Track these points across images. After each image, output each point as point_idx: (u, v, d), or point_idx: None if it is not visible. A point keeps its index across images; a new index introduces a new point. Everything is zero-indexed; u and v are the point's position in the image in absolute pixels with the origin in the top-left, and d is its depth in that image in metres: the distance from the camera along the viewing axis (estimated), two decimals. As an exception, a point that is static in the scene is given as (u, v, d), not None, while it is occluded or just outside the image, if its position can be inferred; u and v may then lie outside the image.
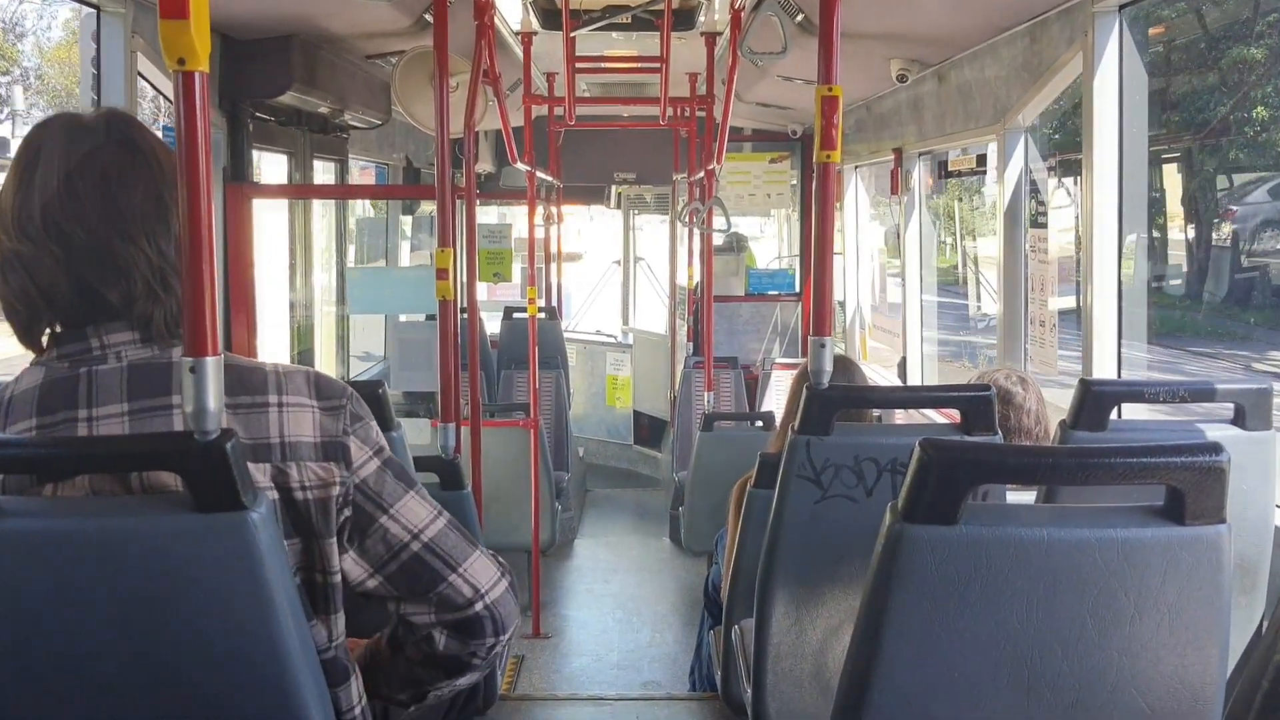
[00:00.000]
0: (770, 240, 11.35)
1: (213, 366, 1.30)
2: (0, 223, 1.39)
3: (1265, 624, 2.33)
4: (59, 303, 1.39)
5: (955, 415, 2.27)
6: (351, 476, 1.43)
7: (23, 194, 1.38)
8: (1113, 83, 3.27)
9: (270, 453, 1.39)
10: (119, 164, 1.40)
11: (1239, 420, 2.31)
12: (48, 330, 1.42)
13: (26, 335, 1.42)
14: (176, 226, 1.37)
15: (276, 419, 1.41)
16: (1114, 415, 2.28)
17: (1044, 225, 3.96)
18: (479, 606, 1.49)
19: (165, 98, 3.65)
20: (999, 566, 1.36)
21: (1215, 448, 1.34)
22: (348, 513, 1.44)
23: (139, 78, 3.38)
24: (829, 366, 2.23)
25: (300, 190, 5.13)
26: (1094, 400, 2.22)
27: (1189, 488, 1.35)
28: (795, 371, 3.79)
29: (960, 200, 12.79)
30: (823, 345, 2.25)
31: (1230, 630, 1.42)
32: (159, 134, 1.50)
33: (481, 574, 1.50)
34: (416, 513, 1.48)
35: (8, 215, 1.39)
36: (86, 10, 3.24)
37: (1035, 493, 2.38)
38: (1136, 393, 2.38)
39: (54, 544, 1.30)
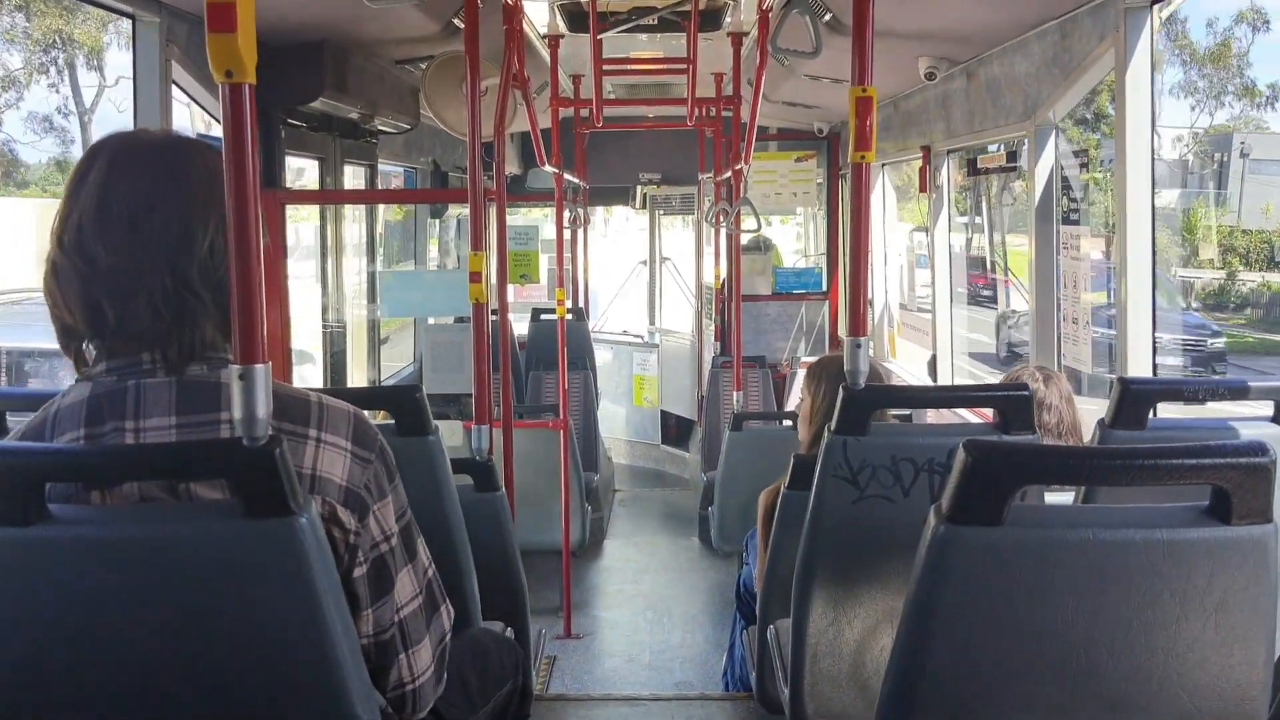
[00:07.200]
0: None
1: (261, 374, 1.31)
2: (53, 231, 1.43)
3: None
4: (79, 316, 1.41)
5: (988, 414, 2.26)
6: (367, 543, 1.47)
7: (68, 208, 1.42)
8: (1145, 78, 3.24)
9: (301, 480, 1.41)
10: (151, 191, 1.41)
11: (1278, 418, 2.29)
12: (81, 346, 1.44)
13: (64, 346, 1.46)
14: (201, 252, 1.40)
15: (313, 452, 1.44)
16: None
17: (1076, 222, 3.93)
18: (407, 689, 1.55)
19: (200, 106, 3.69)
20: (1044, 567, 1.36)
21: (1261, 448, 1.33)
22: (358, 572, 1.47)
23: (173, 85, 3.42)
24: (865, 367, 2.22)
25: (334, 195, 5.16)
26: (1133, 399, 2.20)
27: (1235, 488, 1.34)
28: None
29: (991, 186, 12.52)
30: (858, 345, 2.24)
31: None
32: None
33: (421, 659, 1.56)
34: (405, 590, 1.53)
35: (58, 225, 1.42)
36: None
37: (1072, 491, 2.37)
38: (1175, 391, 2.37)
39: (104, 551, 1.32)
